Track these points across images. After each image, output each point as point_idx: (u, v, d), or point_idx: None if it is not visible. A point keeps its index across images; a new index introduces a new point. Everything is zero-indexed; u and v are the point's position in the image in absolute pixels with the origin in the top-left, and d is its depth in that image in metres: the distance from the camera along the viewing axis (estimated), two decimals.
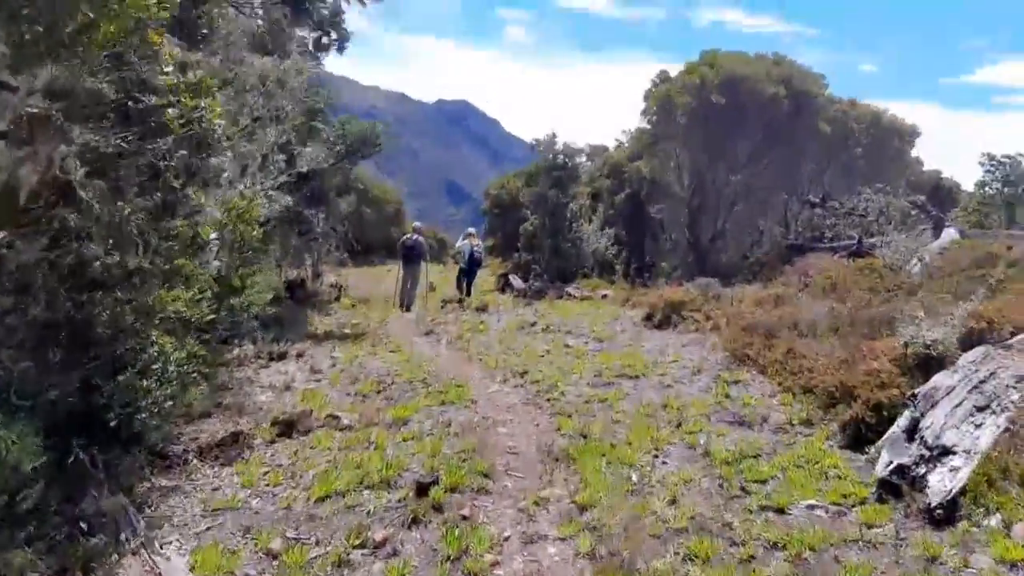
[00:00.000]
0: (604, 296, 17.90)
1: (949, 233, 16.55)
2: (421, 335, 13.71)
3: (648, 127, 22.22)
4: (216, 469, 6.73)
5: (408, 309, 17.52)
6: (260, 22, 11.47)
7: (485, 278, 26.24)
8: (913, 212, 18.42)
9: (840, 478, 5.75)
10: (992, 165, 27.67)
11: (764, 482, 5.79)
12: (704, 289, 12.70)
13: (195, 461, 6.81)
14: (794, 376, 7.82)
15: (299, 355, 11.43)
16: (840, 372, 7.12)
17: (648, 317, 12.59)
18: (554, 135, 21.14)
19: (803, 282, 14.00)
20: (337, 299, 18.66)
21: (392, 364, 10.91)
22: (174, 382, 6.27)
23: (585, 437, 7.07)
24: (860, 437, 6.21)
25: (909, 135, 24.62)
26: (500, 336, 12.97)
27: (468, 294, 18.77)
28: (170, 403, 6.24)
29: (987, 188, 27.81)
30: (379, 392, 9.41)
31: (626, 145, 27.70)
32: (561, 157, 21.34)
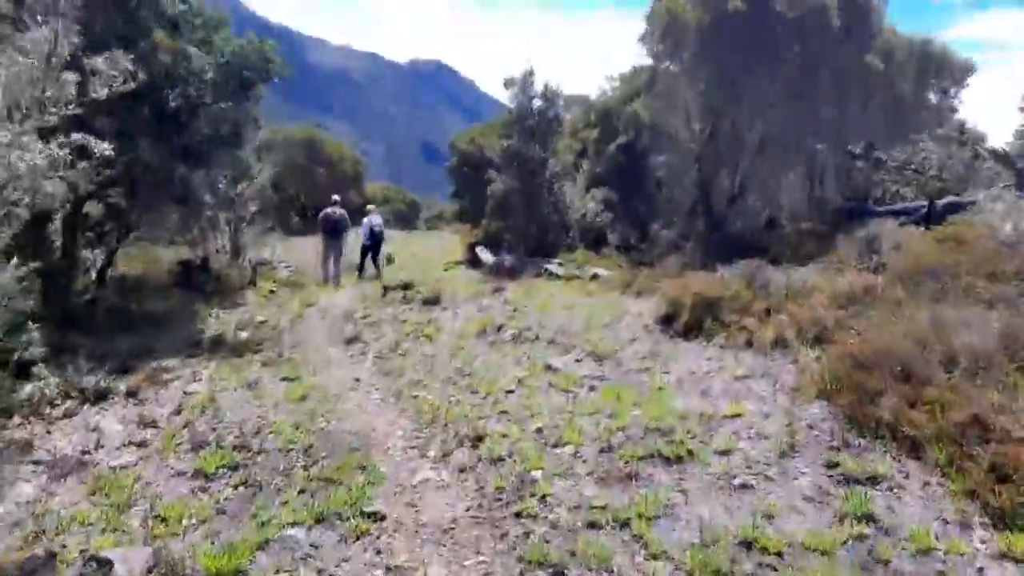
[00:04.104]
0: (594, 276, 13.80)
1: None
2: (341, 343, 9.59)
3: (648, 60, 17.83)
4: None
5: (337, 282, 15.14)
6: None
7: (452, 249, 22.06)
8: (986, 166, 14.34)
9: None
10: None
11: None
12: (747, 276, 8.71)
13: None
14: (1009, 486, 3.80)
15: (132, 392, 7.32)
16: None
17: (667, 319, 8.51)
18: (531, 72, 16.73)
19: (875, 263, 10.03)
20: (252, 283, 14.37)
21: (275, 406, 6.91)
22: None
23: None
24: None
25: (962, 72, 20.21)
26: (452, 348, 8.86)
27: (376, 271, 16.35)
28: None
29: None
30: (233, 470, 5.63)
31: (616, 89, 23.24)
32: (539, 101, 16.95)
